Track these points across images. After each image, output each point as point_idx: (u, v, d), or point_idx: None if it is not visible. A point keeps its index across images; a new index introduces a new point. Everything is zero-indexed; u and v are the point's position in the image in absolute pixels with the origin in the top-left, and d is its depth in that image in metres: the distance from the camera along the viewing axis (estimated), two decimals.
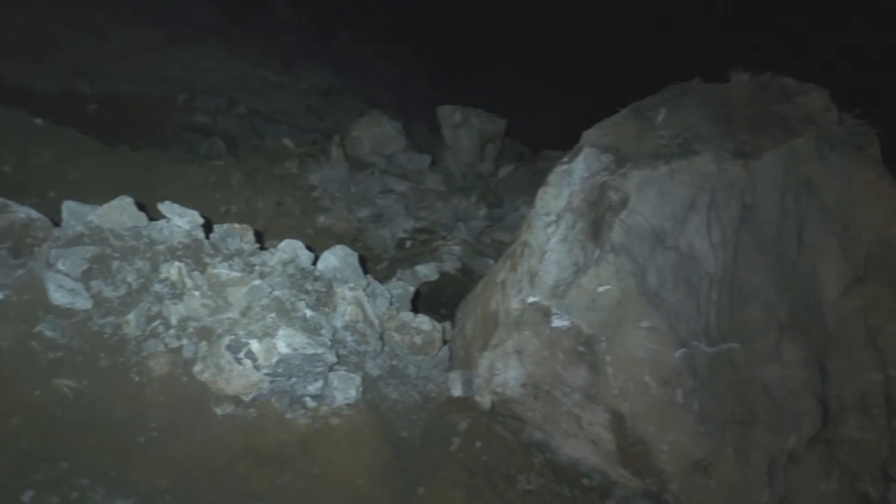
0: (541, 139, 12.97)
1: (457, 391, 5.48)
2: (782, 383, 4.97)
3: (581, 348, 4.92)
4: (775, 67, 6.06)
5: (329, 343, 5.11)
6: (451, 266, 8.15)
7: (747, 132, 5.24)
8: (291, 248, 5.86)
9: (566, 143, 5.64)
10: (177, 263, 5.13)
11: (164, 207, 5.55)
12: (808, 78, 5.96)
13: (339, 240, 7.82)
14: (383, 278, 7.36)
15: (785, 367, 4.97)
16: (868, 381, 5.37)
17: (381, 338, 5.79)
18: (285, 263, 5.70)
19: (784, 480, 5.03)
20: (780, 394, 4.96)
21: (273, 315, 4.91)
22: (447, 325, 6.31)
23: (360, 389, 5.01)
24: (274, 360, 4.68)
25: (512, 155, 13.11)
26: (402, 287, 6.66)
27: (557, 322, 4.97)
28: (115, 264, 5.03)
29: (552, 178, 5.30)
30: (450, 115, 11.76)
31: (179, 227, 5.51)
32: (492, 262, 7.74)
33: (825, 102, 5.74)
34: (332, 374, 4.96)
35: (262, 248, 5.95)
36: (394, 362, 5.72)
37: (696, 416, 4.74)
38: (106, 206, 5.30)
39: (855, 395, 5.35)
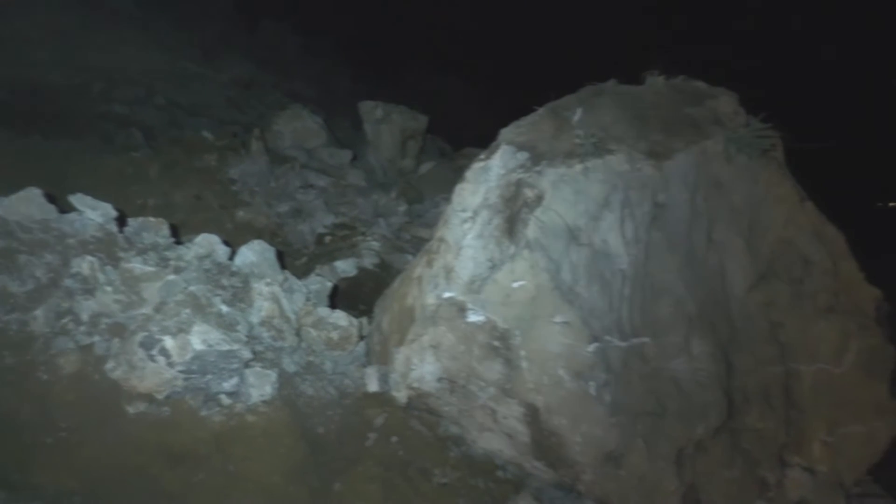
0: (462, 136, 13.06)
1: (373, 386, 5.49)
2: (691, 376, 5.14)
3: (496, 343, 4.99)
4: (689, 71, 6.24)
5: (245, 339, 5.06)
6: (369, 262, 8.14)
7: (660, 133, 5.39)
8: (208, 243, 5.77)
9: (487, 141, 5.69)
10: (88, 258, 4.99)
11: (76, 199, 5.39)
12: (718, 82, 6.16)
13: (259, 235, 7.73)
14: (302, 274, 7.30)
15: (693, 360, 5.15)
16: (770, 373, 5.61)
17: (298, 333, 5.76)
18: (201, 258, 5.61)
19: (691, 469, 5.21)
20: (689, 386, 5.13)
21: (188, 311, 4.82)
22: (364, 320, 6.31)
23: (276, 386, 4.98)
24: (188, 356, 4.61)
25: (433, 152, 13.18)
26: (319, 282, 6.63)
27: (473, 317, 5.03)
28: (23, 258, 4.86)
29: (469, 174, 5.35)
30: (371, 111, 11.73)
31: (92, 220, 5.36)
32: (411, 258, 7.78)
33: (734, 106, 5.93)
34: (247, 371, 4.92)
35: (179, 243, 5.84)
36: (310, 358, 5.69)
37: (608, 408, 4.86)
38: (12, 197, 5.12)
39: (758, 386, 5.57)
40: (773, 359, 5.63)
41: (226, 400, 4.78)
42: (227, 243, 5.92)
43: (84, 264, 4.94)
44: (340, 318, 5.93)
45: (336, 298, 6.89)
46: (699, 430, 5.13)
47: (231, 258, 5.89)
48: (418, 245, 8.18)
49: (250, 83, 15.32)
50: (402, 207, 9.94)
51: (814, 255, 5.92)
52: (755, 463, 5.50)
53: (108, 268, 5.05)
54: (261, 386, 4.87)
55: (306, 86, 16.92)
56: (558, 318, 4.84)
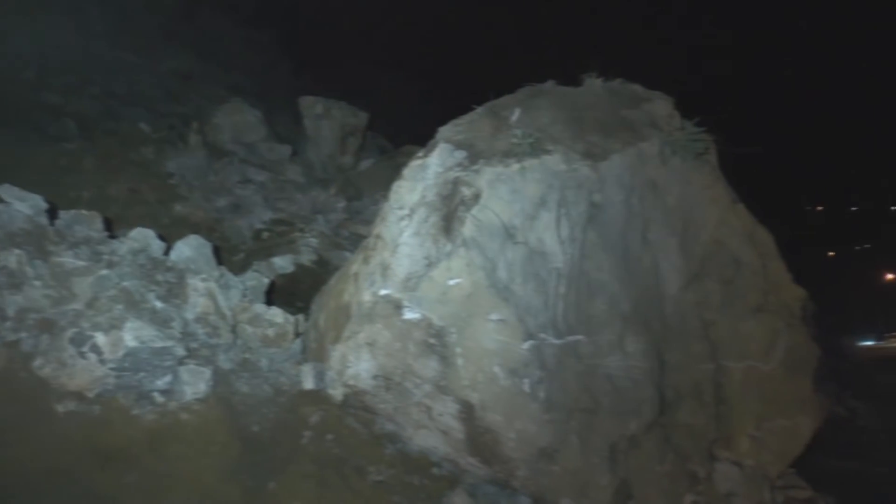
0: (403, 134, 13.03)
1: (309, 384, 5.45)
2: (625, 373, 5.23)
3: (432, 340, 5.01)
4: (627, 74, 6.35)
5: (179, 336, 4.99)
6: (307, 258, 8.09)
7: (597, 134, 5.48)
8: (143, 237, 5.66)
9: (428, 139, 5.70)
10: (16, 251, 4.85)
11: (3, 190, 5.23)
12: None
13: (196, 229, 7.60)
14: (239, 269, 7.22)
15: (627, 357, 5.24)
16: (701, 370, 5.75)
17: (234, 330, 5.69)
18: (136, 253, 5.50)
19: (624, 464, 5.31)
20: (623, 383, 5.22)
21: (120, 306, 4.73)
22: (301, 317, 6.27)
23: (211, 383, 4.92)
24: (120, 353, 4.53)
25: (373, 149, 13.12)
26: (256, 279, 6.57)
27: (409, 314, 5.04)
28: None
29: (407, 172, 5.36)
30: (311, 106, 11.65)
31: (20, 211, 5.20)
32: (349, 255, 7.76)
33: (669, 109, 6.06)
34: (181, 368, 4.85)
35: (113, 237, 5.72)
36: (246, 355, 5.63)
37: (542, 405, 4.93)
38: None
39: (689, 383, 5.71)
40: (704, 356, 5.77)
41: (159, 398, 4.70)
42: (162, 238, 5.82)
43: (11, 258, 4.80)
44: (277, 314, 5.88)
45: (273, 295, 6.84)
46: (632, 426, 5.23)
47: (166, 253, 5.79)
48: (357, 242, 8.16)
49: (189, 75, 15.03)
50: (341, 204, 9.90)
51: (745, 255, 6.09)
52: (686, 457, 5.63)
53: (38, 262, 4.91)
54: (195, 383, 4.80)
55: (246, 79, 16.67)
56: (494, 316, 4.88)
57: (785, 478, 6.35)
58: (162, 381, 4.75)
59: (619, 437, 5.20)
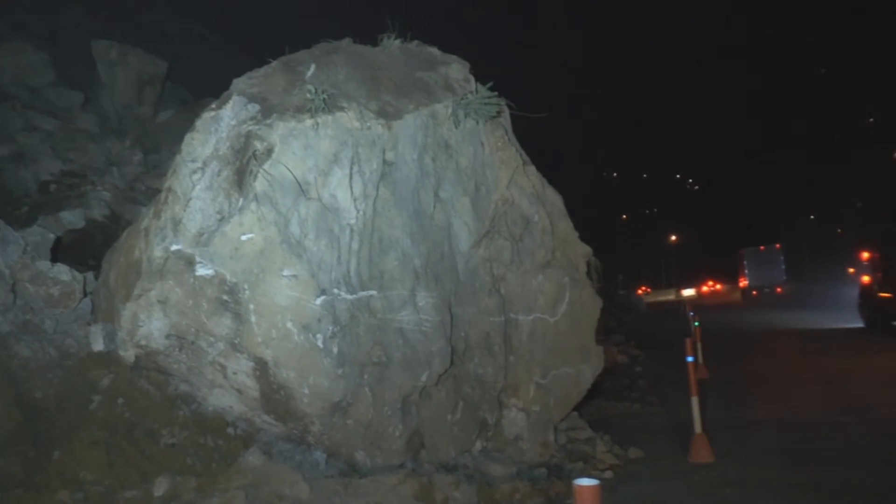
0: (205, 85, 12.50)
1: (98, 346, 5.22)
2: (416, 327, 5.40)
3: (225, 297, 4.93)
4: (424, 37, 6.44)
5: None
6: (99, 213, 7.65)
7: (392, 94, 5.55)
8: None
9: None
10: None
11: None
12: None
13: None
14: (22, 224, 6.71)
15: (419, 311, 5.41)
16: (491, 323, 6.04)
17: (13, 290, 5.33)
18: None
19: (416, 415, 5.50)
20: (415, 336, 5.39)
21: None
22: (91, 275, 5.97)
23: None
24: None
25: (174, 100, 12.50)
26: (41, 234, 6.17)
27: (201, 270, 4.92)
28: None
29: (199, 124, 5.19)
30: (105, 51, 10.87)
31: None
32: (145, 210, 7.43)
33: (465, 73, 6.24)
34: None
35: None
36: (27, 316, 5.30)
37: (335, 359, 4.99)
38: None
39: (480, 335, 5.99)
40: (494, 309, 6.07)
41: None
42: None
43: None
44: (62, 272, 5.55)
45: (60, 252, 6.45)
46: (424, 378, 5.42)
47: None
48: (154, 197, 7.83)
49: None
50: (138, 157, 9.40)
51: (534, 215, 6.43)
52: (476, 406, 5.92)
53: None
54: None
55: (32, 17, 15.28)
56: (287, 272, 4.87)
57: (568, 420, 6.85)
58: None
59: (411, 388, 5.37)
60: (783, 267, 41.99)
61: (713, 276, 53.79)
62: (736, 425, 7.39)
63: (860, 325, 16.73)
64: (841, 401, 8.37)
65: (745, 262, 43.41)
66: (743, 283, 44.09)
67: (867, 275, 16.83)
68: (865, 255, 17.50)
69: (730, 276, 49.24)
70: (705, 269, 56.03)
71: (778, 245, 43.34)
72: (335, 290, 5.00)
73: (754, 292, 41.69)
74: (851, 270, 22.44)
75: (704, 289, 50.75)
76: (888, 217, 16.46)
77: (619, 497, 5.30)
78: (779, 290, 40.87)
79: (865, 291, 16.74)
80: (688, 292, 42.29)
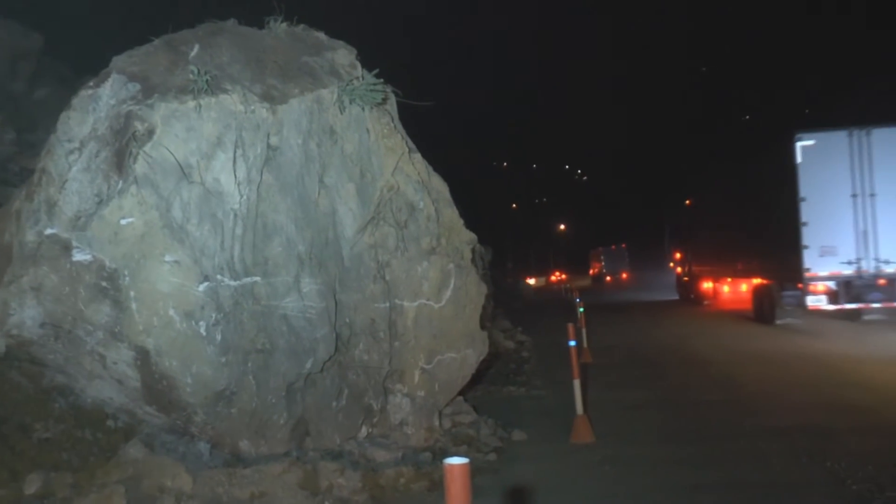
0: (88, 62, 11.94)
1: None
2: (301, 313, 5.37)
3: (104, 283, 4.76)
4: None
5: None
6: None
7: (277, 78, 5.47)
8: None
9: None
10: None
11: None
12: None
13: None
14: None
15: (303, 298, 5.38)
16: (376, 309, 6.07)
17: None
18: None
19: (301, 403, 5.48)
20: (299, 323, 5.36)
21: None
22: None
23: None
24: None
25: (52, 76, 11.85)
26: None
27: (79, 255, 4.74)
28: None
29: (76, 102, 4.98)
30: None
31: None
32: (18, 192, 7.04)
33: (351, 59, 6.22)
34: None
35: None
36: None
37: (218, 347, 4.91)
38: None
39: (365, 321, 6.01)
40: (379, 296, 6.10)
41: None
42: None
43: None
44: None
45: None
46: (308, 365, 5.40)
47: None
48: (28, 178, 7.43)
49: None
50: (10, 136, 8.89)
51: (419, 202, 6.49)
52: (361, 392, 5.95)
53: None
54: None
55: None
56: (168, 257, 4.75)
57: (454, 405, 6.96)
58: None
59: (295, 376, 5.34)
60: (627, 260, 57.46)
61: (559, 267, 65.01)
62: (617, 407, 7.78)
63: (676, 297, 26.35)
64: (713, 380, 9.17)
65: (602, 257, 59.15)
66: (593, 272, 60.03)
67: (678, 266, 26.92)
68: (677, 254, 27.57)
69: (580, 268, 62.34)
70: (554, 262, 65.72)
71: (624, 245, 58.77)
72: (218, 277, 4.92)
73: (608, 278, 55.74)
74: (672, 264, 31.53)
75: (553, 278, 60.39)
76: (682, 231, 26.49)
77: (500, 478, 5.43)
78: (624, 276, 55.23)
79: (678, 277, 26.68)
80: (531, 281, 46.06)
